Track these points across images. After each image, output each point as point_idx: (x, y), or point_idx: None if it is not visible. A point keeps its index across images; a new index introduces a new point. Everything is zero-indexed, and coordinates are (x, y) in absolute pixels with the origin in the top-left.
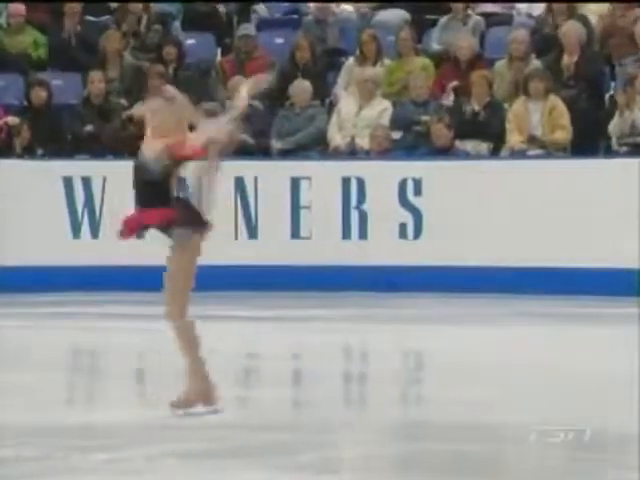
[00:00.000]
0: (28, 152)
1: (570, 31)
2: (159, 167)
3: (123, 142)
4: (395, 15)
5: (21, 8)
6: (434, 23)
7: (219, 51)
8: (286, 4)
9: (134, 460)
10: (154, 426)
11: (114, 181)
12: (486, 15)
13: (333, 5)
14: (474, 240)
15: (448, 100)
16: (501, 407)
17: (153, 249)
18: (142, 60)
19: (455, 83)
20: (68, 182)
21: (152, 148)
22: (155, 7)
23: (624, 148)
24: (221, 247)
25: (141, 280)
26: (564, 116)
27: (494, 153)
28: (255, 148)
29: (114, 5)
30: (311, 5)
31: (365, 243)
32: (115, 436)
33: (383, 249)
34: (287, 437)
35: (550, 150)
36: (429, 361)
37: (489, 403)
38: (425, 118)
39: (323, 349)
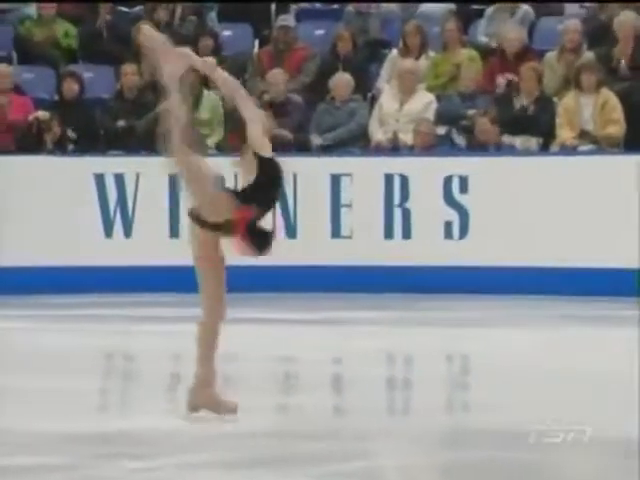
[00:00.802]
0: (59, 148)
1: (625, 21)
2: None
3: (157, 137)
4: (440, 5)
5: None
6: (481, 13)
7: (257, 43)
8: None
9: (166, 469)
10: (188, 434)
11: (148, 178)
12: (535, 5)
13: None
14: (523, 240)
15: (497, 94)
16: (551, 413)
17: (189, 250)
18: None
19: (505, 76)
20: (100, 179)
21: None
22: None
23: None
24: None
25: (176, 281)
26: (617, 110)
27: (544, 149)
28: (294, 144)
29: None
30: None
31: (408, 243)
32: (147, 444)
33: (427, 249)
34: (327, 446)
35: (602, 146)
36: (475, 365)
37: (538, 409)
38: (472, 112)
39: (365, 353)
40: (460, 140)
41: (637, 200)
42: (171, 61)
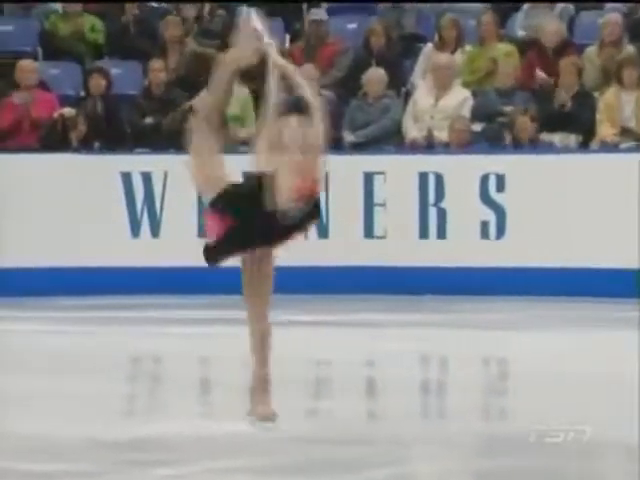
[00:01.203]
0: (84, 146)
1: None
2: (300, 213)
3: (185, 135)
4: None
5: None
6: (518, 7)
7: (288, 37)
8: None
9: (196, 476)
10: (218, 439)
11: (176, 176)
12: None
13: None
14: (561, 240)
15: (535, 89)
16: (591, 420)
17: None
18: (206, 47)
19: (542, 72)
20: (127, 178)
21: (284, 192)
22: None
23: None
24: (290, 247)
25: (205, 282)
26: None
27: (583, 146)
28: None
29: None
30: None
31: (444, 243)
32: (176, 450)
33: (463, 249)
34: (359, 451)
35: None
36: (512, 369)
37: (578, 415)
38: (509, 109)
39: (398, 356)
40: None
41: None
42: (244, 48)
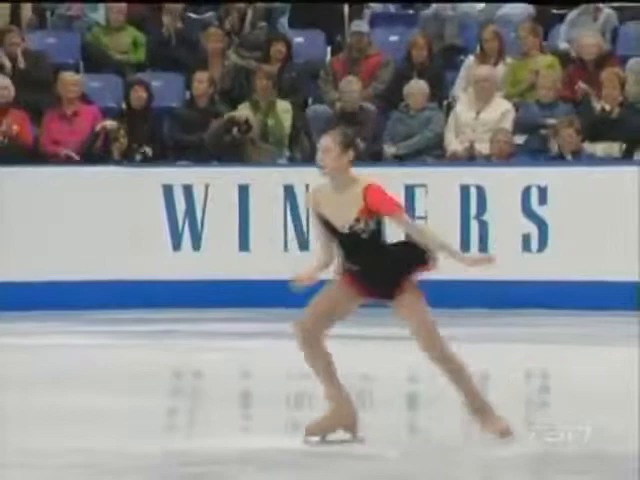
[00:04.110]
0: (126, 158)
1: None
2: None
3: (226, 147)
4: (518, 9)
5: (122, 5)
6: (562, 18)
7: (329, 49)
8: None
9: None
10: (261, 453)
11: (217, 189)
12: (619, 9)
13: None
14: (604, 253)
15: (576, 100)
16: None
17: (258, 264)
18: (247, 59)
19: (582, 86)
20: (168, 190)
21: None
22: (260, 2)
23: None
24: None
25: (246, 296)
26: None
27: (626, 156)
28: (366, 153)
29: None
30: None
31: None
32: (221, 463)
33: (505, 262)
34: (402, 467)
35: None
36: (555, 384)
37: (622, 432)
38: (552, 121)
39: (439, 370)
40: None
41: None
42: None
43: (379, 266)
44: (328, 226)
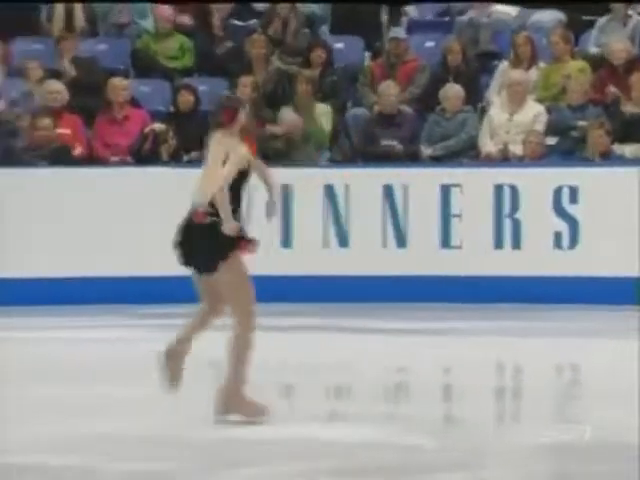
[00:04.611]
0: (174, 159)
1: None
2: None
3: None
4: (550, 16)
5: (169, 12)
6: (592, 24)
7: (367, 55)
8: (438, 4)
9: (280, 477)
10: (300, 441)
11: (261, 189)
12: None
13: (488, 5)
14: (632, 250)
15: (605, 103)
16: None
17: (300, 260)
18: (289, 64)
19: (613, 87)
20: None
21: None
22: (302, 10)
23: None
24: (369, 256)
25: (289, 290)
26: None
27: None
28: (404, 154)
29: (260, 8)
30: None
31: (518, 253)
32: (260, 451)
33: (537, 259)
34: (435, 456)
35: None
36: (585, 377)
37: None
38: (582, 123)
39: (474, 363)
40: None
41: None
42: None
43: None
44: None
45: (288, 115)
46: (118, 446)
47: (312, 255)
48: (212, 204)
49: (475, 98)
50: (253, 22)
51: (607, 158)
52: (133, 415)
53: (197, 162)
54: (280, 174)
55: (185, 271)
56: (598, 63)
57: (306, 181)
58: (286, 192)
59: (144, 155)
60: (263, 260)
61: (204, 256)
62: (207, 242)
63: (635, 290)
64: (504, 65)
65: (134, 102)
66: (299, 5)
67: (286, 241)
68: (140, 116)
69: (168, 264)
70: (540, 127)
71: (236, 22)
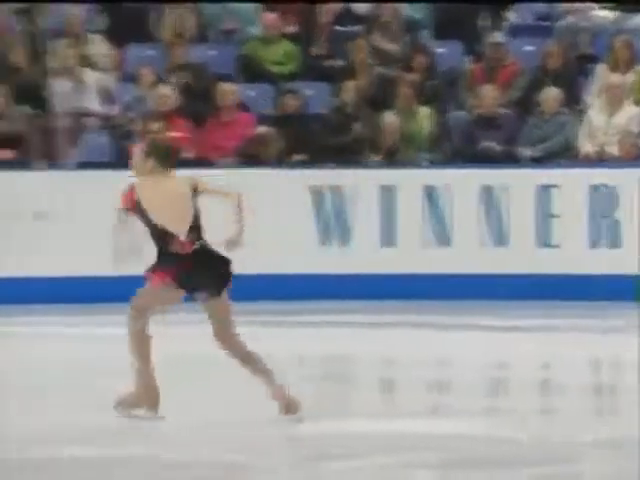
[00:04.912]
0: (279, 161)
1: None
2: None
3: (372, 151)
4: None
5: (276, 19)
6: None
7: (468, 59)
8: (538, 7)
9: (367, 469)
10: (391, 435)
11: (364, 190)
12: None
13: (587, 9)
14: None
15: None
16: None
17: (403, 258)
18: (391, 69)
19: None
20: (316, 191)
21: None
22: (404, 14)
23: None
24: (467, 256)
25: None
26: None
27: None
28: (503, 156)
29: (363, 11)
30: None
31: (614, 252)
32: (350, 445)
33: (633, 258)
34: (534, 449)
35: None
36: (621, 374)
37: None
38: None
39: (573, 360)
40: None
41: None
42: None
43: None
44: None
45: (388, 118)
46: (216, 438)
47: (413, 254)
48: (191, 230)
49: (573, 100)
50: (356, 28)
51: None
52: (230, 406)
53: (301, 164)
54: (383, 175)
55: (283, 270)
56: None
57: (408, 181)
58: (388, 192)
59: (250, 157)
60: (364, 259)
61: (214, 279)
62: (213, 264)
63: None
64: (602, 68)
65: (242, 106)
66: (401, 10)
67: (388, 240)
68: (247, 119)
69: (270, 263)
70: (635, 128)
71: (339, 28)
